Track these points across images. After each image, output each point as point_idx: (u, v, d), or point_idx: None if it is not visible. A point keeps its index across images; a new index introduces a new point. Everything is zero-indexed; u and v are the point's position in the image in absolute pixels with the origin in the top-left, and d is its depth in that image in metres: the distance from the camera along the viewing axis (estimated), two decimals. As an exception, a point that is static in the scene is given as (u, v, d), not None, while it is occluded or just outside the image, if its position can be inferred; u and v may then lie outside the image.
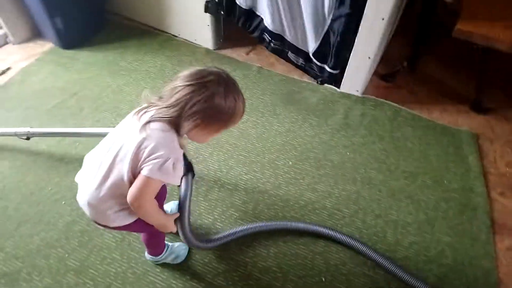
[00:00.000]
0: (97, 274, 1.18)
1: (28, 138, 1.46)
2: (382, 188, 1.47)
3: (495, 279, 1.23)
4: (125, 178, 0.83)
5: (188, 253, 1.24)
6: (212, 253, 1.25)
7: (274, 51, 2.02)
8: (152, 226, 0.95)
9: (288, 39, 1.89)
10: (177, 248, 1.21)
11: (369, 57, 1.69)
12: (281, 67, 2.04)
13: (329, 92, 1.89)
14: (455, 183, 1.50)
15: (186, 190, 1.02)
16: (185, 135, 0.89)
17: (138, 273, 1.18)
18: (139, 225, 0.94)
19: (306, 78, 1.97)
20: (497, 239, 1.35)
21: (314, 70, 1.92)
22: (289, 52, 1.96)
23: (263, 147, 1.60)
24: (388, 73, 1.99)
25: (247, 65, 2.01)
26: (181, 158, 0.87)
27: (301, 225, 1.29)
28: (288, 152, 1.59)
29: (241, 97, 0.89)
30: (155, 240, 1.13)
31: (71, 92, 1.79)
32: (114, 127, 0.94)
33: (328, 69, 1.84)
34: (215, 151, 1.56)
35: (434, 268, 1.24)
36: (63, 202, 1.36)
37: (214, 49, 2.10)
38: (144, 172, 0.81)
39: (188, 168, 1.05)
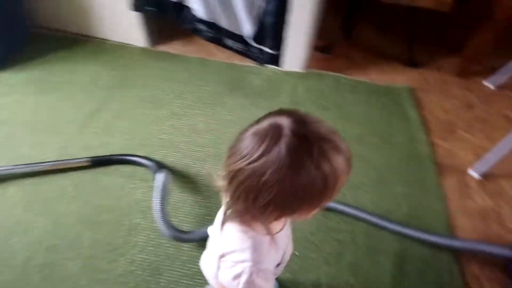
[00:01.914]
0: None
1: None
2: (336, 156, 1.53)
3: (447, 216, 1.35)
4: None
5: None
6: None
7: (211, 39, 1.99)
8: None
9: (223, 26, 1.87)
10: None
11: (305, 33, 1.72)
12: (221, 55, 2.02)
13: (272, 73, 1.91)
14: (400, 137, 1.60)
15: (164, 183, 1.31)
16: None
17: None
18: None
19: (249, 62, 1.97)
20: (443, 180, 1.47)
21: (254, 53, 1.92)
22: (227, 39, 1.95)
23: (217, 138, 1.59)
24: (325, 45, 2.05)
25: (186, 58, 1.97)
26: (269, 262, 0.66)
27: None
28: (242, 138, 1.59)
29: (341, 150, 0.57)
30: None
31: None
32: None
33: (268, 50, 1.85)
34: (169, 152, 1.52)
35: (395, 220, 1.32)
36: (15, 240, 1.25)
37: (149, 47, 2.03)
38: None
39: (162, 165, 1.40)
